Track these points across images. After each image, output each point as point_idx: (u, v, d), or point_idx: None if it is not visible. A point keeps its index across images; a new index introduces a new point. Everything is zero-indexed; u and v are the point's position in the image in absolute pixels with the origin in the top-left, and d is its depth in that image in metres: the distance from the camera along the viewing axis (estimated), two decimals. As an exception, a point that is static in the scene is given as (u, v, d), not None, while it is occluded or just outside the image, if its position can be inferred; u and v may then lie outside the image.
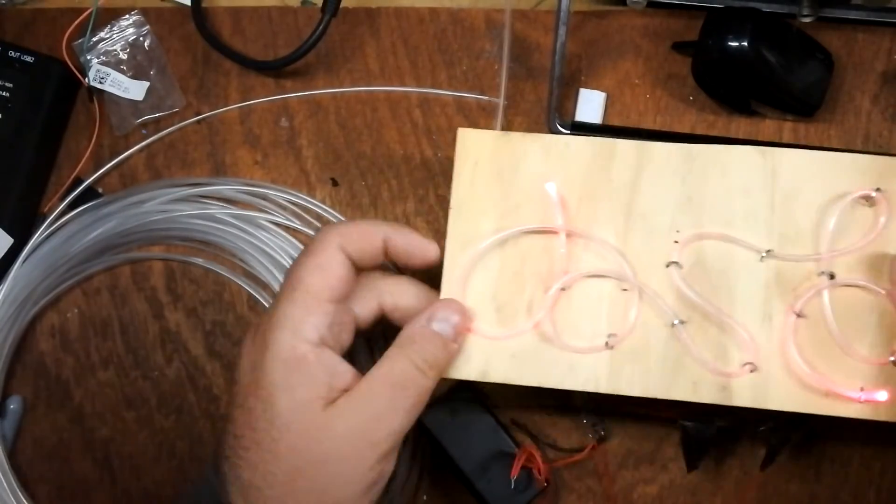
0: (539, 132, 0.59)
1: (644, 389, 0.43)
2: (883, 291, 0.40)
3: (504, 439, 0.53)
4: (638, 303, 0.43)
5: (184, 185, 0.60)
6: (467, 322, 0.44)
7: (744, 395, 0.42)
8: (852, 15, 0.58)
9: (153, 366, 0.60)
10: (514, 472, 0.51)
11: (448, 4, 0.62)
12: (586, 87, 0.60)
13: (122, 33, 0.63)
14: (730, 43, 0.54)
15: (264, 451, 0.42)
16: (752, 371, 0.41)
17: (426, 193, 0.60)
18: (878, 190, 0.41)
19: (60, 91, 0.62)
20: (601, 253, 0.43)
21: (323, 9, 0.58)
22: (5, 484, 0.57)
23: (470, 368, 0.44)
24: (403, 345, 0.44)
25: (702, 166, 0.43)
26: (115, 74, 0.62)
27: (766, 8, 0.57)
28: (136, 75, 0.62)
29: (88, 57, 0.62)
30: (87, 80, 0.62)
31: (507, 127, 0.60)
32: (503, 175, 0.45)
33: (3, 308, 0.58)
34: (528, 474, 0.52)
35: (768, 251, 0.42)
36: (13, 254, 0.59)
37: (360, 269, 0.47)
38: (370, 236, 0.45)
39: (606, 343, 0.43)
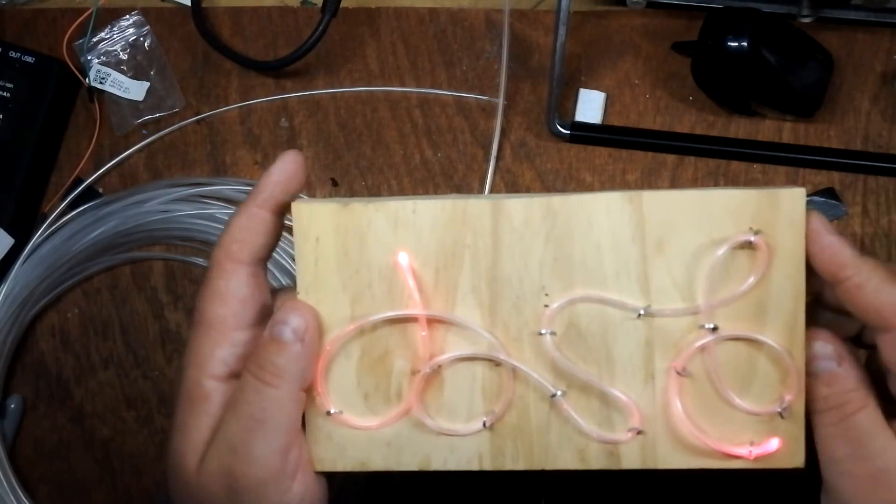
0: (539, 132, 0.60)
1: (529, 463, 0.41)
2: (769, 342, 0.38)
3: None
4: (512, 379, 0.40)
5: (184, 185, 0.60)
6: (311, 319, 0.40)
7: (633, 458, 0.40)
8: (852, 15, 0.58)
9: (153, 366, 0.60)
10: None
11: (448, 4, 0.62)
12: (586, 87, 0.60)
13: (123, 33, 0.63)
14: (730, 43, 0.54)
15: (171, 493, 0.41)
16: (637, 434, 0.40)
17: (426, 193, 0.60)
18: (757, 233, 0.38)
19: (60, 91, 0.62)
20: (467, 331, 0.40)
21: (323, 9, 0.58)
22: (5, 484, 0.57)
23: (346, 460, 0.41)
24: (248, 361, 0.40)
25: (564, 221, 0.39)
26: (115, 74, 0.62)
27: (766, 8, 0.57)
28: (137, 75, 0.62)
29: (89, 57, 0.62)
30: (87, 80, 0.62)
31: (507, 127, 0.60)
32: (350, 251, 0.40)
33: (3, 308, 0.58)
34: None
35: (645, 308, 0.39)
36: (13, 254, 0.59)
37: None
38: (255, 230, 0.40)
39: (484, 424, 0.40)
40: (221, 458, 0.38)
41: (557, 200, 0.39)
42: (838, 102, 0.58)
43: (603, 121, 0.60)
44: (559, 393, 0.40)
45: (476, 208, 0.40)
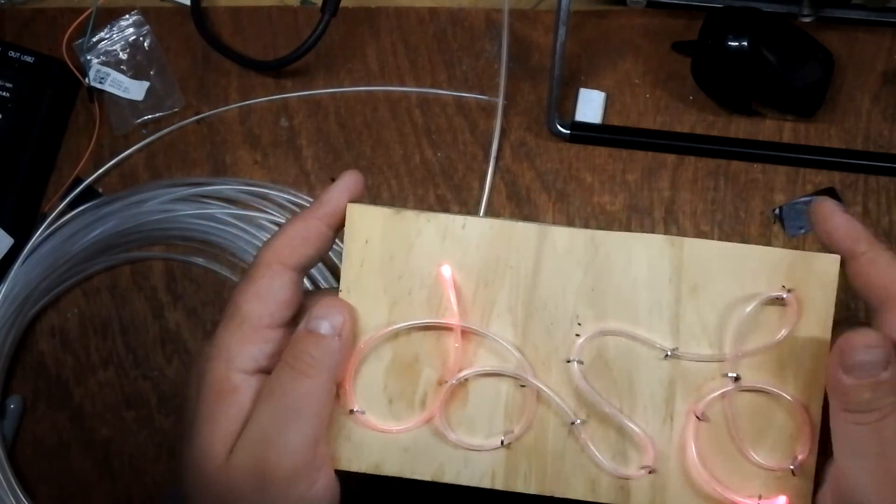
0: (539, 132, 0.60)
1: (541, 487, 0.41)
2: (788, 397, 0.39)
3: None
4: (535, 401, 0.41)
5: (184, 185, 0.60)
6: (349, 316, 0.41)
7: (642, 495, 0.40)
8: (852, 15, 0.57)
9: (153, 366, 0.60)
10: None
11: (448, 4, 0.62)
12: (586, 87, 0.60)
13: (122, 33, 0.63)
14: (730, 43, 0.54)
15: (188, 488, 0.40)
16: (650, 473, 0.40)
17: (426, 193, 0.60)
18: (789, 291, 0.39)
19: (60, 91, 0.62)
20: (498, 347, 0.41)
21: (323, 9, 0.58)
22: (5, 484, 0.57)
23: (362, 461, 0.41)
24: (284, 352, 0.40)
25: (606, 254, 0.41)
26: (115, 74, 0.62)
27: (766, 8, 0.57)
28: (136, 75, 0.62)
29: (88, 57, 0.62)
30: (87, 80, 0.62)
31: (507, 127, 0.60)
32: (395, 257, 0.41)
33: (3, 308, 0.58)
34: None
35: (673, 350, 0.40)
36: (13, 254, 0.59)
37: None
38: (310, 240, 0.42)
39: (502, 442, 0.41)
40: (253, 449, 0.39)
41: (601, 234, 0.41)
42: (839, 102, 0.58)
43: (603, 121, 0.60)
44: (579, 421, 0.40)
45: (523, 230, 0.41)
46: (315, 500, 0.40)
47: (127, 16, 0.63)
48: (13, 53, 0.60)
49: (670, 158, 0.59)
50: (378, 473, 0.42)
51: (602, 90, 0.60)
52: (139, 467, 0.60)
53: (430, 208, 0.59)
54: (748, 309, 0.40)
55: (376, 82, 0.61)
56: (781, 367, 0.40)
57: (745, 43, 0.53)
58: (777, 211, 0.58)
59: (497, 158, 0.59)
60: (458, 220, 0.41)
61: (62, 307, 0.61)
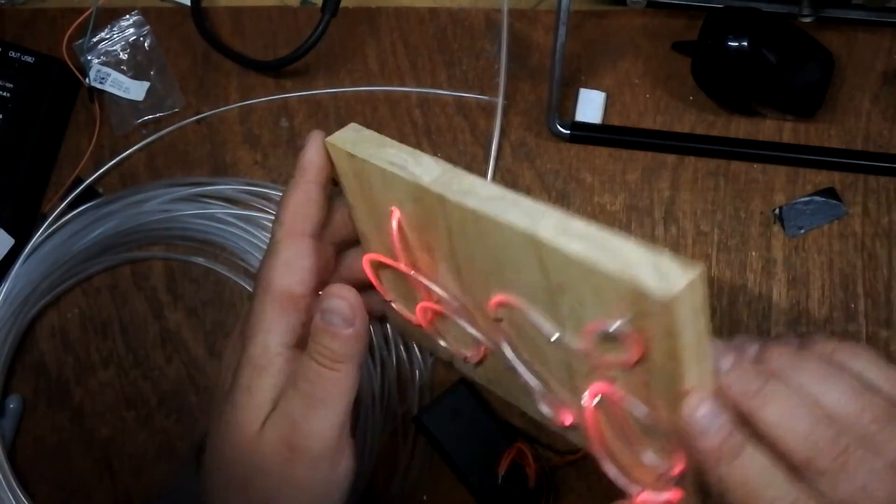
0: (539, 132, 0.60)
1: (505, 395, 0.44)
2: (643, 414, 0.36)
3: (502, 439, 0.53)
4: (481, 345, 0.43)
5: (184, 185, 0.60)
6: (355, 302, 0.41)
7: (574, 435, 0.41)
8: (852, 15, 0.58)
9: (153, 366, 0.60)
10: (502, 469, 0.52)
11: (448, 4, 0.62)
12: (586, 87, 0.60)
13: (123, 33, 0.63)
14: (730, 43, 0.54)
15: (216, 458, 0.42)
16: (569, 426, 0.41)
17: (426, 193, 0.60)
18: (630, 321, 0.33)
19: (60, 91, 0.62)
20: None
21: (323, 9, 0.58)
22: (5, 484, 0.57)
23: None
24: (308, 341, 0.42)
25: (490, 231, 0.38)
26: (115, 74, 0.62)
27: (766, 8, 0.57)
28: (137, 75, 0.62)
29: (89, 57, 0.62)
30: (87, 80, 0.62)
31: (507, 127, 0.60)
32: (363, 190, 0.43)
33: (3, 308, 0.58)
34: (524, 472, 0.52)
35: (556, 338, 0.37)
36: (14, 254, 0.59)
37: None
38: (312, 203, 0.43)
39: (465, 359, 0.44)
40: (281, 430, 0.40)
41: (477, 213, 0.37)
42: (839, 102, 0.58)
43: (603, 121, 0.60)
44: (518, 364, 0.41)
45: (431, 202, 0.39)
46: (337, 481, 0.42)
47: (127, 16, 0.63)
48: (13, 53, 0.60)
49: (670, 158, 0.59)
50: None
51: (602, 90, 0.60)
52: (139, 467, 0.60)
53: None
54: (599, 332, 0.35)
55: (376, 82, 0.61)
56: (646, 386, 0.36)
57: (745, 43, 0.53)
58: (777, 211, 0.58)
59: (497, 158, 0.59)
60: (395, 170, 0.40)
61: (62, 307, 0.61)
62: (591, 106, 0.59)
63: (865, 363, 0.35)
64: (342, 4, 0.58)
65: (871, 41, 0.59)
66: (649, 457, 0.38)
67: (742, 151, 0.58)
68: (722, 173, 0.59)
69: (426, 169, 0.40)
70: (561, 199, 0.59)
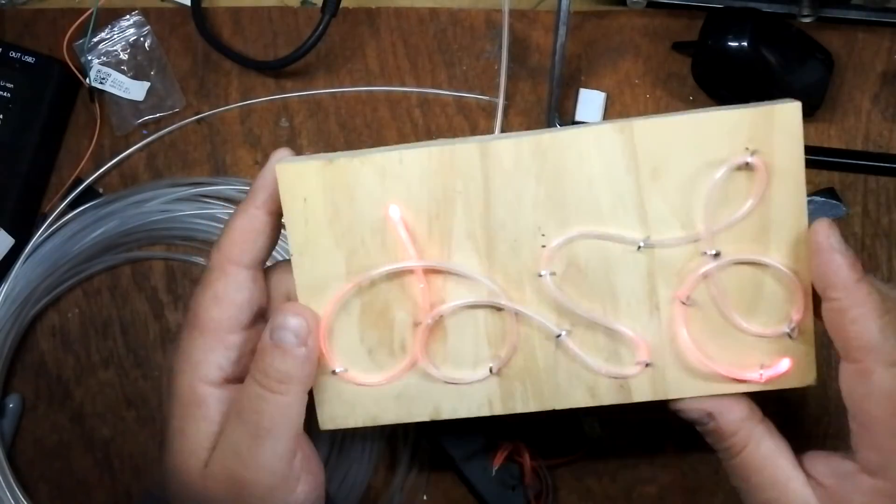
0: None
1: (541, 404, 0.40)
2: (774, 263, 0.37)
3: (501, 438, 0.53)
4: (515, 323, 0.40)
5: (184, 185, 0.60)
6: (311, 319, 0.39)
7: (643, 390, 0.39)
8: (852, 15, 0.58)
9: (153, 366, 0.60)
10: (496, 463, 0.52)
11: (448, 4, 0.62)
12: (586, 87, 0.60)
13: (123, 34, 0.63)
14: (730, 43, 0.54)
15: (171, 497, 0.40)
16: (646, 367, 0.39)
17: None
18: (754, 153, 0.36)
19: (61, 91, 0.62)
20: (466, 278, 0.39)
21: (323, 9, 0.58)
22: (4, 484, 0.57)
23: (357, 416, 0.41)
24: (251, 365, 0.39)
25: (555, 158, 0.38)
26: (115, 75, 0.62)
27: (766, 8, 0.57)
28: (137, 75, 0.62)
29: (89, 57, 0.62)
30: (87, 80, 0.62)
31: (507, 127, 0.60)
32: (340, 208, 0.39)
33: (3, 308, 0.58)
34: (521, 471, 0.52)
35: (644, 240, 0.38)
36: (14, 254, 0.59)
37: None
38: (255, 231, 0.40)
39: (491, 369, 0.40)
40: (226, 465, 0.38)
41: (547, 138, 0.38)
42: (839, 102, 0.58)
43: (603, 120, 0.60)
44: (564, 333, 0.39)
45: (464, 153, 0.39)
46: None
47: (127, 16, 0.63)
48: (14, 54, 0.60)
49: (670, 158, 0.59)
50: (377, 424, 0.41)
51: (602, 90, 0.60)
52: (139, 467, 0.60)
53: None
54: (714, 180, 0.37)
55: (376, 82, 0.61)
56: (761, 234, 0.38)
57: (745, 43, 0.53)
58: (777, 211, 0.58)
59: (497, 158, 0.59)
60: (394, 155, 0.39)
61: (63, 307, 0.61)
62: (591, 106, 0.59)
63: None
64: (342, 4, 0.58)
65: (871, 41, 0.59)
66: (756, 327, 0.39)
67: (742, 151, 0.58)
68: (722, 173, 0.59)
69: (432, 146, 0.39)
70: (561, 199, 0.59)
